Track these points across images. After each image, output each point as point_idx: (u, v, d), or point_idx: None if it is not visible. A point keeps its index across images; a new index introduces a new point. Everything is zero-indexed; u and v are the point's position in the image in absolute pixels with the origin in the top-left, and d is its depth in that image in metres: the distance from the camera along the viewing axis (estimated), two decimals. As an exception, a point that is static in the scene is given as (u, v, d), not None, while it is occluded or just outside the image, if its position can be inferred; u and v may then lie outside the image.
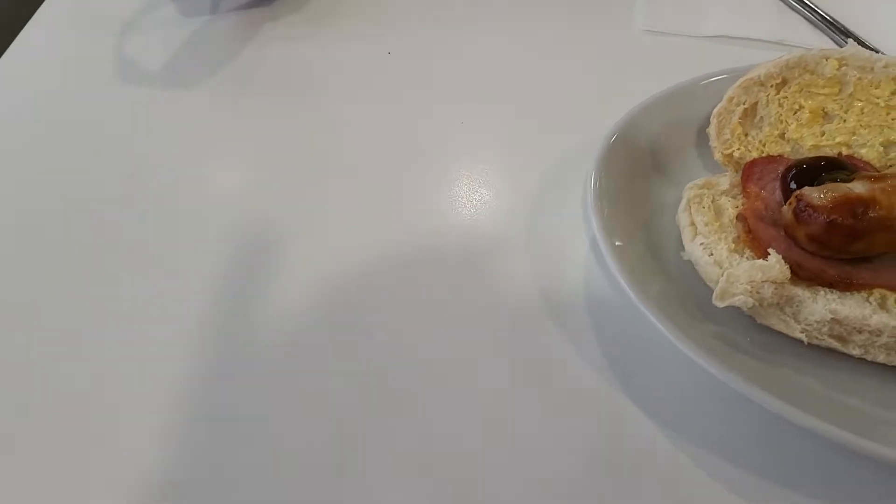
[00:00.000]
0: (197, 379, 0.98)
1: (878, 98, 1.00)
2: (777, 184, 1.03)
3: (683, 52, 1.38)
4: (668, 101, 1.15)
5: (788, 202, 0.94)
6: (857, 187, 0.91)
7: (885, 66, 0.99)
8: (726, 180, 1.05)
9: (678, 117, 1.14)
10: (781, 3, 1.46)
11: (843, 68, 1.01)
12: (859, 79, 1.00)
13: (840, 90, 1.02)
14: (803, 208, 0.91)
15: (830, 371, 0.91)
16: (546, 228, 1.12)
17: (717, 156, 1.06)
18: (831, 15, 1.41)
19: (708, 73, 1.17)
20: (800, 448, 0.90)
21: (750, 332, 0.94)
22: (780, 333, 0.92)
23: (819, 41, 1.39)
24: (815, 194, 0.91)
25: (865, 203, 0.89)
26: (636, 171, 1.10)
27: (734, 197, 1.03)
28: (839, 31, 1.38)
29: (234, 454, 0.91)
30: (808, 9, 1.43)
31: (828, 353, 0.91)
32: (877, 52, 1.33)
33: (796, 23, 1.42)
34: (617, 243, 0.97)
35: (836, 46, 1.38)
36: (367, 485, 0.88)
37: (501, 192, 1.19)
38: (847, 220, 0.89)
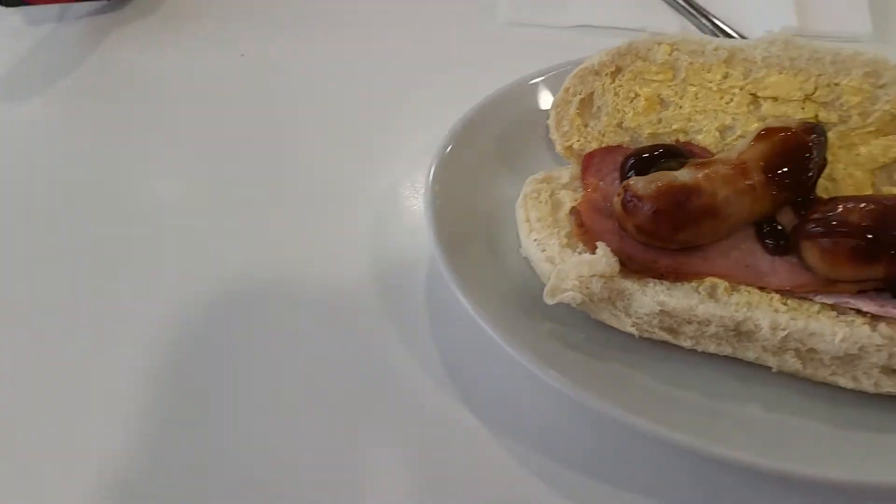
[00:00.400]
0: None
1: (710, 82, 0.98)
2: (616, 174, 1.00)
3: (546, 42, 1.36)
4: (517, 94, 1.13)
5: (617, 193, 0.92)
6: (683, 175, 0.88)
7: (716, 50, 0.97)
8: (568, 173, 1.02)
9: (527, 109, 1.11)
10: (645, -11, 1.45)
11: (675, 53, 0.99)
12: (691, 63, 0.99)
13: (674, 76, 1.00)
14: (630, 199, 0.89)
15: (663, 364, 0.89)
16: (391, 231, 1.09)
17: (559, 148, 1.04)
18: (695, 1, 1.40)
19: (559, 64, 1.15)
20: (629, 446, 0.88)
21: (586, 329, 0.92)
22: (614, 328, 0.90)
23: (682, 26, 1.38)
24: (641, 184, 0.89)
25: (689, 191, 0.87)
26: (481, 167, 1.07)
27: (575, 190, 1.00)
28: (702, 16, 1.37)
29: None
30: (668, -6, 1.42)
31: (662, 345, 0.89)
32: (741, 36, 1.34)
33: (659, 9, 1.41)
34: (451, 244, 0.93)
35: (698, 31, 1.37)
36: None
37: (350, 191, 1.16)
38: (672, 208, 0.87)
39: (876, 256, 0.81)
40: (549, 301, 0.88)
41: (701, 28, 1.36)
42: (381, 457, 0.89)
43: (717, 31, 1.33)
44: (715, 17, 1.36)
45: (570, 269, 0.88)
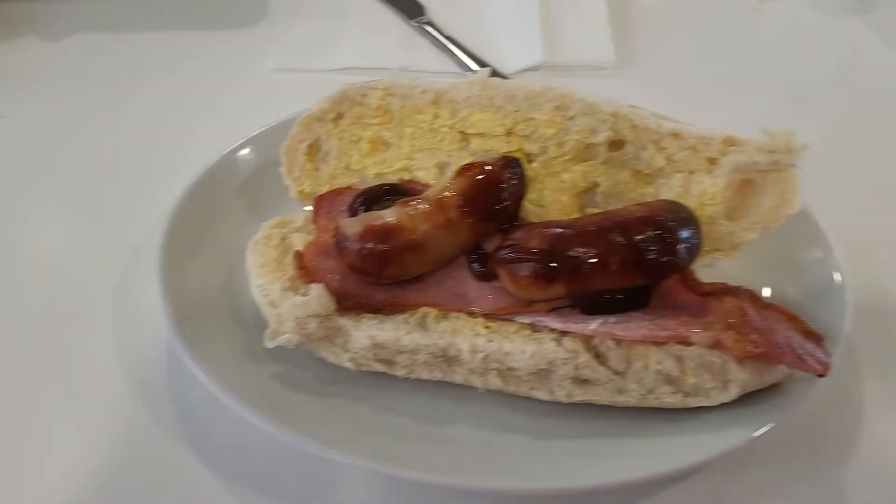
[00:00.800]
0: None
1: (423, 122, 1.05)
2: (347, 215, 1.05)
3: (314, 86, 1.38)
4: (263, 140, 1.16)
5: (332, 235, 0.96)
6: (387, 214, 0.94)
7: (423, 92, 1.04)
8: (303, 216, 1.06)
9: (273, 155, 1.14)
10: (411, 30, 1.53)
11: (388, 98, 1.05)
12: (403, 106, 1.05)
13: (391, 118, 1.06)
14: (340, 239, 0.93)
15: (384, 393, 0.94)
16: (137, 286, 1.10)
17: (293, 193, 1.08)
18: (455, 39, 1.49)
19: (303, 111, 1.18)
20: (351, 479, 0.92)
21: (313, 367, 0.95)
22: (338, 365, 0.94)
23: (442, 64, 1.46)
24: (349, 225, 0.93)
25: (391, 229, 0.92)
26: (223, 215, 1.10)
27: (309, 233, 1.04)
28: (461, 52, 1.46)
29: None
30: (430, 35, 1.51)
31: (382, 376, 0.94)
32: (499, 74, 1.42)
33: (421, 47, 1.50)
34: (180, 302, 0.95)
35: (457, 69, 1.45)
36: None
37: (93, 253, 1.16)
38: (376, 246, 0.91)
39: (554, 277, 0.88)
40: (269, 345, 0.91)
41: (460, 65, 1.44)
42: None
43: (473, 68, 1.42)
44: (472, 54, 1.45)
45: (288, 311, 0.91)
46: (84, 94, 1.43)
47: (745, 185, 0.98)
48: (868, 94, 1.50)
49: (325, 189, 1.07)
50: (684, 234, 0.90)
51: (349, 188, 1.07)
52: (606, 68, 1.47)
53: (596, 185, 1.03)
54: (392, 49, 1.48)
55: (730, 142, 0.96)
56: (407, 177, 1.06)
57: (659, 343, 0.88)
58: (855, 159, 1.35)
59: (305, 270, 0.97)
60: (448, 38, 1.48)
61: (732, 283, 0.97)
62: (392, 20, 1.57)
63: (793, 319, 0.90)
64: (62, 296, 1.09)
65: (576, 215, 1.05)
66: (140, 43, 1.55)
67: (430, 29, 1.51)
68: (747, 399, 0.89)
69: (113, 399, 0.97)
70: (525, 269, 0.89)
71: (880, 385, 1.01)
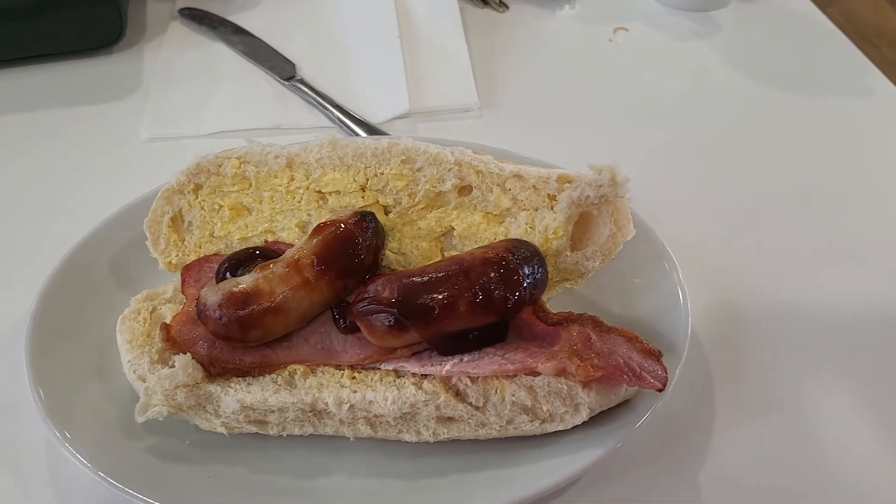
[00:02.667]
0: None
1: (279, 186, 1.09)
2: (214, 281, 1.08)
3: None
4: (131, 215, 1.18)
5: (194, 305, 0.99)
6: (246, 280, 0.97)
7: (276, 157, 1.08)
8: (172, 287, 1.09)
9: (141, 230, 1.15)
10: (284, 89, 1.58)
11: (243, 165, 1.09)
12: (258, 172, 1.09)
13: (249, 185, 1.10)
14: (201, 308, 0.96)
15: (260, 453, 0.96)
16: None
17: (162, 265, 1.10)
18: (326, 95, 1.54)
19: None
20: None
21: (190, 435, 0.97)
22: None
23: (314, 120, 1.51)
24: (209, 294, 0.96)
25: (248, 295, 0.95)
26: (94, 294, 1.10)
27: (179, 303, 1.07)
28: (333, 107, 1.51)
29: None
30: (302, 93, 1.56)
31: (258, 436, 0.96)
32: (366, 123, 1.48)
33: (293, 104, 1.54)
34: (41, 386, 0.95)
35: (330, 123, 1.50)
36: None
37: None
38: (236, 312, 0.95)
39: (405, 325, 0.93)
40: (139, 419, 0.93)
41: (332, 119, 1.49)
42: None
43: (345, 121, 1.47)
44: (343, 108, 1.51)
45: (155, 384, 0.93)
46: None
47: (584, 218, 1.06)
48: (711, 111, 1.62)
49: (192, 258, 1.10)
50: (526, 270, 0.97)
51: (216, 255, 1.10)
52: (471, 110, 1.54)
53: (451, 228, 1.09)
54: (265, 109, 1.52)
55: (564, 178, 1.04)
56: (271, 238, 1.10)
57: (510, 375, 0.94)
58: (700, 176, 1.45)
59: (173, 341, 0.99)
60: (319, 94, 1.53)
61: (588, 307, 1.04)
62: (264, 80, 1.61)
63: (632, 340, 0.97)
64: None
65: (437, 258, 1.12)
66: (10, 119, 1.55)
67: (302, 87, 1.56)
68: (600, 418, 0.95)
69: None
70: (380, 320, 0.94)
71: (728, 389, 1.09)
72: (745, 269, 1.26)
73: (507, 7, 1.87)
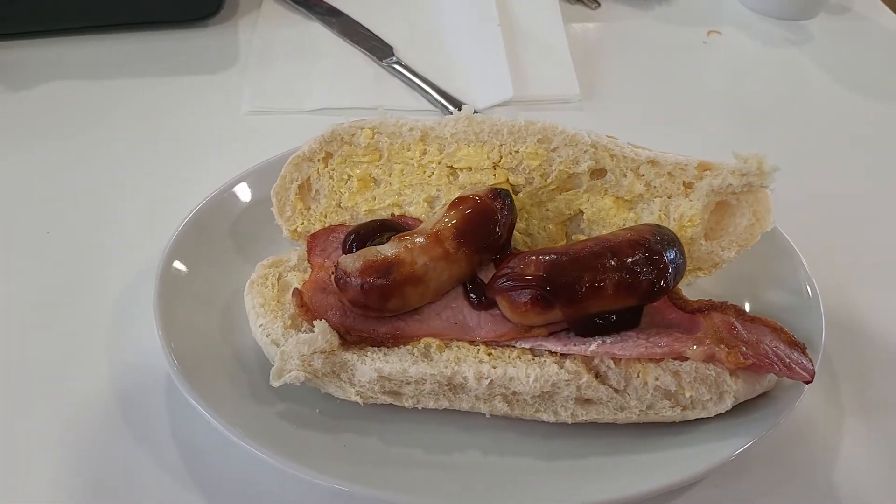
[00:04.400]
0: None
1: (411, 159, 1.08)
2: (340, 251, 1.06)
3: (288, 128, 1.43)
4: (249, 182, 1.18)
5: (331, 272, 0.98)
6: (386, 249, 0.96)
7: (411, 130, 1.07)
8: (297, 255, 1.08)
9: (262, 196, 1.15)
10: (382, 70, 1.58)
11: (377, 136, 1.08)
12: (391, 144, 1.08)
13: (380, 156, 1.09)
14: (340, 276, 0.95)
15: (392, 425, 0.95)
16: (126, 337, 1.08)
17: (285, 232, 1.09)
18: (425, 77, 1.53)
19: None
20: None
21: (319, 403, 0.96)
22: (345, 400, 0.95)
23: (415, 102, 1.50)
24: (349, 262, 0.95)
25: (391, 263, 0.94)
26: (216, 259, 1.10)
27: (304, 271, 1.06)
28: (434, 91, 1.50)
29: None
30: (401, 75, 1.55)
31: (390, 408, 0.95)
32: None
33: (393, 87, 1.54)
34: (180, 344, 0.95)
35: (430, 106, 1.50)
36: None
37: (83, 302, 1.14)
38: (377, 281, 0.93)
39: (552, 302, 0.91)
40: (275, 383, 0.91)
41: (432, 102, 1.48)
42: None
43: (446, 105, 1.46)
44: (444, 92, 1.50)
45: (292, 349, 0.92)
46: (64, 142, 1.42)
47: (721, 207, 1.05)
48: (807, 118, 1.61)
49: (317, 227, 1.09)
50: (670, 255, 0.95)
51: (341, 225, 1.09)
52: (571, 101, 1.53)
53: (580, 212, 1.08)
54: (364, 89, 1.51)
55: (704, 166, 1.03)
56: (398, 212, 1.09)
57: (656, 360, 0.92)
58: (803, 180, 1.42)
59: (306, 308, 0.98)
60: (419, 77, 1.53)
61: (715, 299, 1.03)
62: (363, 61, 1.61)
63: (777, 330, 0.95)
64: (55, 344, 1.07)
65: (562, 242, 1.10)
66: (112, 90, 1.55)
67: (399, 68, 1.55)
68: (741, 409, 0.93)
69: (115, 445, 0.96)
70: (524, 297, 0.93)
71: (854, 390, 1.07)
72: (856, 271, 1.24)
73: (598, 4, 1.87)
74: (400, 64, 1.56)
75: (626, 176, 1.05)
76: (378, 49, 1.61)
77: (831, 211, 1.36)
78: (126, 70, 1.59)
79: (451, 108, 1.45)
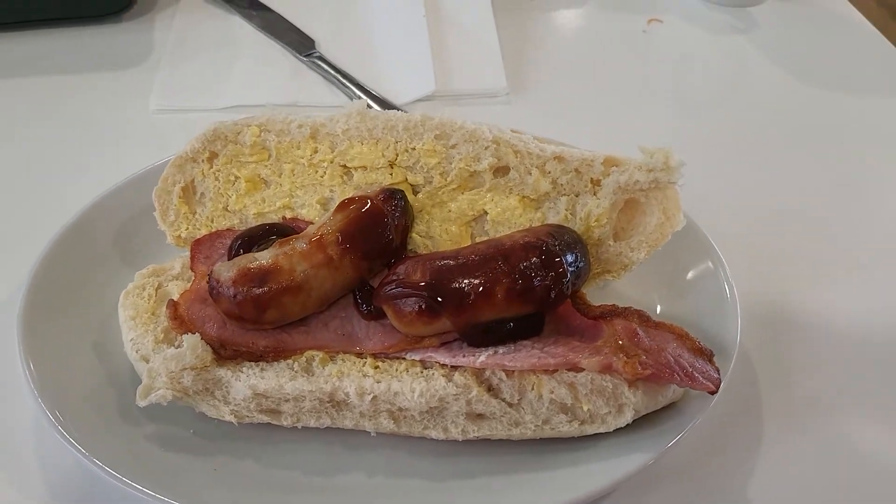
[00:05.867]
0: None
1: (301, 158, 1.01)
2: (226, 258, 1.00)
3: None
4: (138, 184, 1.10)
5: (206, 280, 0.91)
6: (262, 256, 0.89)
7: (300, 127, 1.01)
8: (181, 263, 1.01)
9: (150, 201, 1.08)
10: (301, 65, 1.51)
11: (264, 134, 1.01)
12: (279, 142, 1.01)
13: (268, 155, 1.02)
14: (214, 285, 0.88)
15: (269, 447, 0.88)
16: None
17: (170, 238, 1.02)
18: (346, 72, 1.47)
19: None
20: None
21: (193, 424, 0.89)
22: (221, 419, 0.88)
23: (333, 97, 1.44)
24: (223, 269, 0.88)
25: (266, 271, 0.87)
26: (96, 266, 1.03)
27: (188, 280, 0.99)
28: (354, 86, 1.44)
29: None
30: (321, 69, 1.49)
31: (268, 427, 0.88)
32: (389, 104, 1.40)
33: (312, 82, 1.47)
34: (31, 365, 0.88)
35: (348, 100, 1.43)
36: None
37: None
38: (252, 290, 0.87)
39: (437, 311, 0.85)
40: (141, 403, 0.85)
41: (352, 98, 1.42)
42: None
43: (368, 101, 1.40)
44: (364, 87, 1.44)
45: (160, 365, 0.85)
46: None
47: (630, 205, 0.98)
48: (748, 106, 1.56)
49: (202, 232, 1.02)
50: (570, 258, 0.89)
51: (228, 230, 1.02)
52: (499, 95, 1.47)
53: (484, 212, 1.01)
54: (282, 84, 1.45)
55: (610, 162, 0.96)
56: (289, 215, 1.02)
57: (550, 371, 0.86)
58: (740, 171, 1.39)
59: (180, 320, 0.91)
60: (339, 71, 1.46)
61: (627, 303, 0.96)
62: (281, 55, 1.54)
63: (682, 337, 0.89)
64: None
65: (467, 244, 1.04)
66: (20, 86, 1.50)
67: (320, 63, 1.49)
68: (645, 421, 0.88)
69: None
70: (409, 305, 0.86)
71: (776, 394, 1.01)
72: (782, 265, 1.20)
73: (535, -6, 1.81)
74: (321, 58, 1.50)
75: (530, 173, 0.99)
76: (299, 43, 1.55)
77: (763, 201, 1.32)
78: (33, 67, 1.53)
79: (372, 104, 1.39)
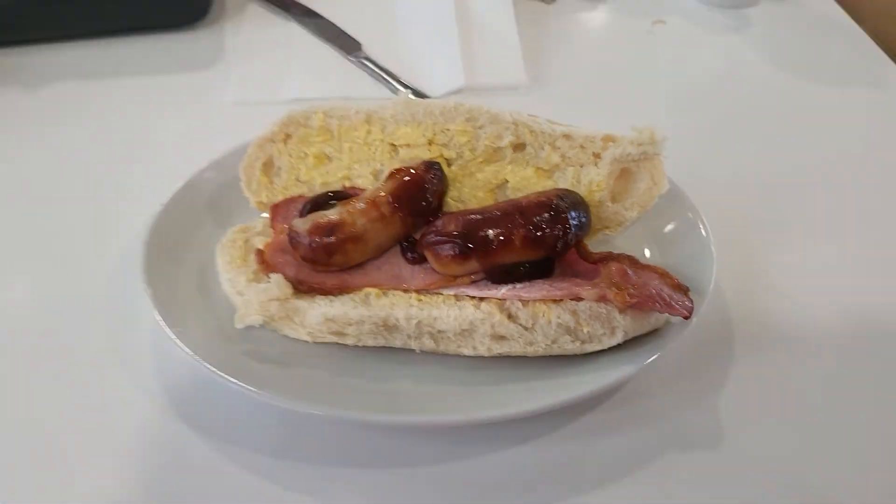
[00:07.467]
0: None
1: (358, 138, 1.25)
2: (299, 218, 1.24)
3: (268, 115, 1.58)
4: (225, 162, 1.35)
5: (286, 233, 1.16)
6: (331, 213, 1.14)
7: (357, 113, 1.24)
8: (262, 222, 1.25)
9: (235, 175, 1.33)
10: (349, 64, 1.76)
11: (328, 119, 1.25)
12: (340, 125, 1.25)
13: (331, 136, 1.26)
14: (293, 235, 1.13)
15: (337, 360, 1.12)
16: (121, 291, 1.27)
17: (253, 203, 1.27)
18: (389, 70, 1.71)
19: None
20: (320, 429, 1.10)
21: (279, 344, 1.13)
22: (298, 340, 1.12)
23: (378, 92, 1.68)
24: (300, 223, 1.13)
25: (334, 224, 1.12)
26: (196, 227, 1.27)
27: (268, 235, 1.23)
28: (394, 81, 1.68)
29: None
30: (367, 67, 1.73)
31: (335, 346, 1.12)
32: (423, 95, 1.64)
33: (359, 78, 1.72)
34: (153, 291, 1.12)
35: (391, 95, 1.67)
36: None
37: (84, 264, 1.33)
38: (323, 239, 1.11)
39: (469, 254, 1.08)
40: (239, 325, 1.09)
41: (393, 91, 1.66)
42: (110, 482, 1.05)
43: (406, 92, 1.64)
44: (404, 82, 1.67)
45: (253, 297, 1.10)
46: (64, 137, 1.61)
47: (624, 173, 1.21)
48: (741, 99, 1.76)
49: (279, 198, 1.26)
50: (573, 214, 1.11)
51: (300, 196, 1.26)
52: (520, 88, 1.70)
53: (505, 181, 1.24)
54: (335, 81, 1.70)
55: (608, 138, 1.19)
56: (348, 184, 1.26)
57: (557, 301, 1.09)
58: (730, 154, 1.59)
59: (266, 264, 1.16)
60: (383, 69, 1.70)
61: (619, 251, 1.19)
62: (333, 56, 1.79)
63: (664, 275, 1.11)
64: (58, 295, 1.28)
65: (491, 206, 1.27)
66: (111, 88, 1.74)
67: (367, 62, 1.73)
68: (633, 342, 1.09)
69: (105, 381, 1.15)
70: (446, 250, 1.10)
71: (747, 328, 1.23)
72: (768, 237, 1.40)
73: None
74: (367, 58, 1.74)
75: (543, 149, 1.21)
76: (347, 45, 1.79)
77: (751, 182, 1.52)
78: (121, 72, 1.78)
79: (411, 97, 1.63)
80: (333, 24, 1.87)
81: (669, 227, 1.28)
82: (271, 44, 1.83)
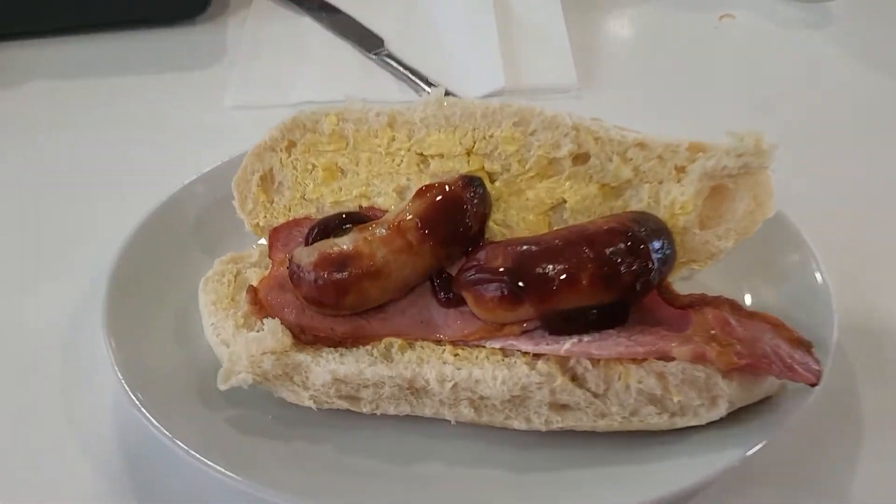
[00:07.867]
0: None
1: (379, 146, 1.01)
2: (303, 246, 1.00)
3: (270, 121, 1.37)
4: (217, 176, 1.12)
5: (286, 265, 0.91)
6: (343, 241, 0.89)
7: (378, 115, 1.00)
8: (259, 251, 1.01)
9: (228, 191, 1.09)
10: (371, 63, 1.53)
11: (342, 123, 1.01)
12: (357, 131, 1.01)
13: (346, 144, 1.02)
14: (294, 269, 0.88)
15: (348, 433, 0.88)
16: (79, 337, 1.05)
17: (248, 227, 1.03)
18: (415, 69, 1.48)
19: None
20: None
21: (272, 409, 0.89)
22: (299, 405, 0.88)
23: (402, 95, 1.45)
24: (304, 254, 0.89)
25: (346, 256, 0.87)
26: (176, 254, 1.05)
27: (266, 267, 0.99)
28: (421, 81, 1.45)
29: None
30: (390, 66, 1.50)
31: (347, 414, 0.87)
32: (453, 94, 1.40)
33: (380, 77, 1.50)
34: (116, 344, 0.89)
35: (416, 96, 1.43)
36: None
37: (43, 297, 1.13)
38: (333, 275, 0.86)
39: (521, 297, 0.83)
40: (222, 386, 0.85)
41: (419, 93, 1.42)
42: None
43: (438, 90, 1.39)
44: (433, 83, 1.44)
45: (241, 349, 0.86)
46: (46, 137, 1.46)
47: (717, 192, 0.94)
48: (826, 102, 1.51)
49: (280, 221, 1.02)
50: (656, 244, 0.86)
51: (306, 218, 1.02)
52: (569, 90, 1.46)
53: (563, 201, 0.99)
54: (352, 81, 1.48)
55: (696, 147, 0.93)
56: (365, 204, 1.02)
57: (638, 360, 0.83)
58: (819, 167, 1.33)
59: (260, 306, 0.91)
60: (408, 68, 1.47)
61: (712, 293, 0.93)
62: (351, 54, 1.57)
63: (778, 327, 0.85)
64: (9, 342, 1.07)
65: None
66: (100, 87, 1.57)
67: (389, 61, 1.50)
68: (739, 415, 0.83)
69: (60, 454, 0.92)
70: (490, 290, 0.85)
71: (875, 391, 0.96)
72: (887, 270, 1.14)
73: (605, -9, 1.79)
74: (390, 56, 1.51)
75: (611, 160, 0.96)
76: (368, 41, 1.57)
77: (850, 201, 1.26)
78: (114, 68, 1.61)
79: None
80: (352, 18, 1.65)
81: (769, 259, 1.02)
82: (278, 40, 1.63)
